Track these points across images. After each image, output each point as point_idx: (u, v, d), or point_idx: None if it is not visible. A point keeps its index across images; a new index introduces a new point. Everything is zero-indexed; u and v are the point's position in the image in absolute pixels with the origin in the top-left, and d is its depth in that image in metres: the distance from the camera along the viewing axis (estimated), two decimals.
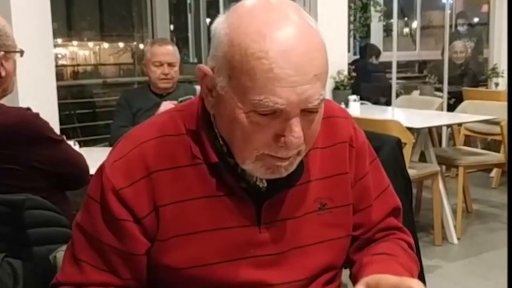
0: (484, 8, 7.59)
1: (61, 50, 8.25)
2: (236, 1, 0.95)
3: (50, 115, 2.70)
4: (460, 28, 6.68)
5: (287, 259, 1.04)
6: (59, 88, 3.61)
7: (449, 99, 5.45)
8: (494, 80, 6.03)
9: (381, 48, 7.02)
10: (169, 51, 3.09)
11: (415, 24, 8.82)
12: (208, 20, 7.16)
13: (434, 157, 3.80)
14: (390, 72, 5.40)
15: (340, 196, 1.08)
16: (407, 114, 4.31)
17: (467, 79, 5.85)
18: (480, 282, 3.16)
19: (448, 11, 5.72)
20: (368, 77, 6.09)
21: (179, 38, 8.15)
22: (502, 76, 5.95)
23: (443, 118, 4.45)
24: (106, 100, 6.83)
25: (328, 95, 4.54)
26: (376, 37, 7.79)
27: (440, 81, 5.59)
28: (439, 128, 5.05)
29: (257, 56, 0.86)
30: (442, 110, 4.97)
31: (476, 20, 8.13)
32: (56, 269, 1.24)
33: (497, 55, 6.03)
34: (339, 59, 4.64)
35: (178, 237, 0.99)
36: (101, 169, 1.02)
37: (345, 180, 1.08)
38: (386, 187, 1.16)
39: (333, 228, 1.07)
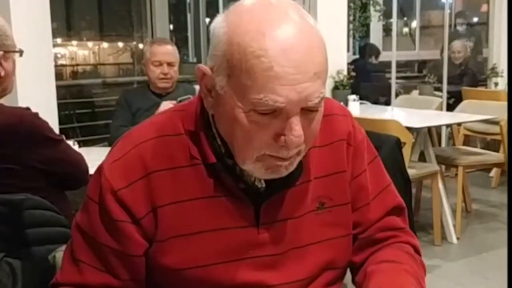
0: (484, 7, 7.59)
1: (60, 50, 8.25)
2: (235, 1, 0.95)
3: (50, 115, 2.70)
4: (459, 28, 6.68)
5: (286, 259, 1.03)
6: (58, 88, 3.61)
7: (448, 98, 5.45)
8: (494, 79, 6.03)
9: (380, 47, 7.02)
10: (168, 51, 3.08)
11: (414, 24, 8.82)
12: (207, 19, 7.16)
13: (434, 156, 3.80)
14: (390, 72, 5.39)
15: (339, 195, 1.07)
16: (407, 114, 4.31)
17: (466, 78, 5.84)
18: (479, 282, 3.16)
19: (447, 11, 5.72)
20: (367, 77, 6.08)
21: (179, 38, 8.15)
22: (502, 76, 5.95)
23: (443, 118, 4.45)
24: (105, 100, 6.82)
25: (327, 94, 4.51)
26: (376, 37, 7.79)
27: (440, 81, 5.59)
28: (438, 127, 5.05)
29: (256, 54, 0.85)
30: (441, 109, 4.97)
31: (475, 19, 8.13)
32: (55, 269, 1.24)
33: (497, 55, 6.03)
34: (338, 58, 4.64)
35: (176, 237, 0.99)
36: (99, 169, 1.02)
37: (343, 178, 1.08)
38: (386, 186, 1.14)
39: (333, 227, 1.07)
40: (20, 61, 1.83)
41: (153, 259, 1.01)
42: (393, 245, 1.10)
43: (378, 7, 5.72)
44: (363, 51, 6.82)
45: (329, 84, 4.61)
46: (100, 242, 0.99)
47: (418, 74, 7.83)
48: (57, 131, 2.51)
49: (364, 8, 5.65)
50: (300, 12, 0.91)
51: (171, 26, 7.93)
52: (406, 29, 9.42)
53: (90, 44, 8.82)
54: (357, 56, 7.01)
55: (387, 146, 2.54)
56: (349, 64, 5.07)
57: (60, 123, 3.56)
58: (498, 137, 4.31)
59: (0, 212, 1.48)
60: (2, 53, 1.71)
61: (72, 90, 6.83)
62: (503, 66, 5.94)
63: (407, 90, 6.08)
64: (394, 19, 5.54)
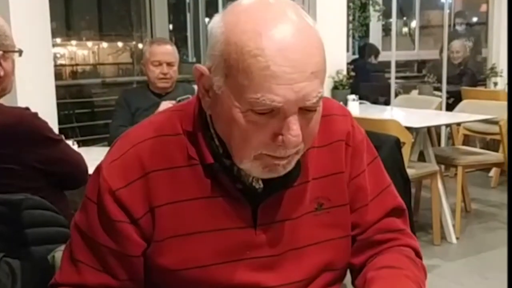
0: (483, 7, 7.59)
1: (60, 50, 8.24)
2: (233, 0, 0.95)
3: (49, 115, 2.70)
4: (458, 28, 6.68)
5: (284, 261, 1.03)
6: (58, 87, 3.60)
7: (448, 98, 5.45)
8: (493, 79, 6.03)
9: (380, 47, 7.02)
10: (168, 51, 3.08)
11: (414, 24, 8.83)
12: (207, 19, 7.16)
13: (433, 156, 3.80)
14: (389, 72, 5.39)
15: (337, 196, 1.06)
16: (406, 114, 4.31)
17: (466, 78, 5.85)
18: (478, 281, 3.16)
19: (447, 11, 5.72)
20: (367, 77, 6.09)
21: (178, 38, 8.15)
22: (501, 76, 5.95)
23: (442, 118, 4.45)
24: (105, 100, 6.81)
25: (327, 94, 4.53)
26: (375, 37, 7.80)
27: (439, 81, 5.59)
28: (438, 127, 5.05)
29: (253, 53, 0.85)
30: (441, 109, 4.98)
31: (475, 19, 8.13)
32: (54, 269, 1.24)
33: (496, 55, 6.03)
34: (338, 58, 4.64)
35: (174, 238, 0.99)
36: (98, 169, 1.02)
37: (342, 179, 1.07)
38: (386, 187, 1.13)
39: (331, 228, 1.06)
40: (19, 61, 1.83)
41: (150, 259, 1.01)
42: (393, 249, 1.09)
43: (377, 7, 5.71)
44: (363, 51, 6.82)
45: (329, 84, 4.61)
46: (98, 242, 0.99)
47: (417, 74, 7.83)
48: (56, 131, 2.51)
49: (364, 8, 5.65)
50: (298, 12, 0.90)
51: (171, 26, 7.93)
52: (405, 29, 9.43)
53: (89, 44, 8.81)
54: (356, 56, 7.01)
55: (386, 146, 2.54)
56: (348, 64, 5.07)
57: (59, 123, 3.56)
58: (497, 137, 4.31)
59: (0, 212, 1.48)
60: (2, 53, 1.71)
61: (72, 90, 6.83)
62: (502, 66, 5.94)
63: (406, 90, 6.09)
64: (393, 19, 5.54)
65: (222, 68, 0.89)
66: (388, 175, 1.15)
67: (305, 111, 0.90)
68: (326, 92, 4.59)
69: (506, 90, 5.42)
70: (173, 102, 2.77)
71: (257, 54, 0.85)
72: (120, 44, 8.91)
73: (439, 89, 5.58)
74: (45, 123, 1.85)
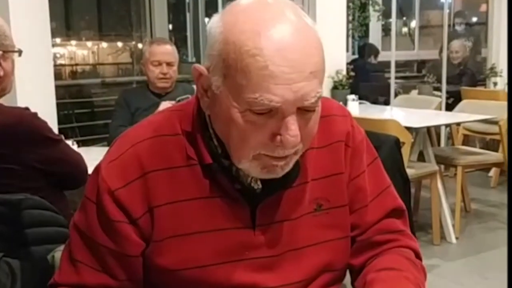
0: (483, 7, 7.59)
1: (59, 50, 8.23)
2: (233, 1, 0.95)
3: (49, 115, 2.69)
4: (457, 28, 6.67)
5: (282, 261, 1.02)
6: (57, 87, 3.60)
7: (447, 98, 5.45)
8: (493, 79, 6.03)
9: (379, 47, 7.02)
10: (167, 51, 3.08)
11: (413, 24, 8.83)
12: (206, 19, 7.15)
13: (433, 156, 3.80)
14: (389, 72, 5.40)
15: (337, 197, 1.06)
16: (406, 114, 4.31)
17: (465, 78, 5.85)
18: (478, 281, 3.16)
19: (446, 11, 5.72)
20: (366, 77, 6.09)
21: (178, 38, 8.14)
22: (501, 76, 5.95)
23: (442, 118, 4.45)
24: (104, 100, 6.81)
25: (326, 94, 4.54)
26: (375, 37, 7.79)
27: (439, 81, 5.59)
28: (437, 127, 5.05)
29: (251, 53, 0.85)
30: (440, 109, 4.98)
31: (475, 19, 8.13)
32: (54, 269, 1.24)
33: (496, 55, 6.03)
34: (337, 58, 4.64)
35: (172, 238, 0.99)
36: (97, 169, 1.01)
37: (341, 180, 1.06)
38: (385, 187, 1.13)
39: (330, 229, 1.06)
40: (19, 61, 1.83)
41: (149, 260, 1.01)
42: (393, 250, 1.09)
43: (377, 7, 5.71)
44: (362, 51, 6.82)
45: (328, 84, 4.61)
46: (97, 242, 0.99)
47: (417, 74, 7.83)
48: (56, 131, 2.51)
49: (363, 8, 5.65)
50: (297, 12, 0.90)
51: (170, 26, 7.93)
52: (405, 29, 9.42)
53: (89, 44, 8.81)
54: (356, 56, 7.01)
55: (386, 146, 2.54)
56: (348, 64, 5.07)
57: (59, 123, 3.56)
58: (497, 137, 4.31)
59: None
60: (1, 53, 1.71)
61: (71, 90, 6.83)
62: (502, 66, 5.95)
63: (406, 90, 6.08)
64: (393, 19, 5.54)
65: (220, 68, 0.89)
66: (387, 176, 1.15)
67: (303, 111, 0.90)
68: (326, 92, 4.59)
69: (506, 90, 5.42)
70: (173, 102, 2.77)
71: (255, 53, 0.85)
72: (119, 44, 8.91)
73: (438, 89, 5.58)
74: (45, 123, 1.85)
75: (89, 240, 1.00)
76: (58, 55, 8.10)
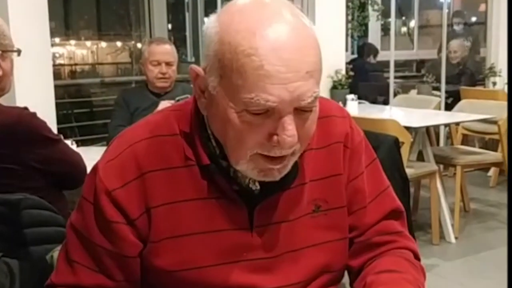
0: (482, 7, 7.59)
1: (58, 49, 8.22)
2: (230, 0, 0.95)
3: (48, 115, 2.69)
4: (455, 27, 6.67)
5: (280, 263, 1.02)
6: (56, 87, 3.61)
7: (446, 98, 5.45)
8: (492, 79, 6.03)
9: (379, 47, 7.02)
10: (167, 50, 3.08)
11: (413, 23, 8.82)
12: (206, 19, 7.13)
13: (432, 156, 3.80)
14: (388, 71, 5.40)
15: (335, 198, 1.06)
16: (405, 113, 4.32)
17: (464, 78, 5.85)
18: (477, 281, 3.16)
19: (445, 10, 5.72)
20: (366, 76, 6.08)
21: (177, 37, 8.14)
22: (500, 75, 5.95)
23: (441, 117, 4.45)
24: (103, 100, 6.81)
25: (326, 94, 4.54)
26: (374, 36, 7.79)
27: (438, 80, 5.59)
28: (436, 127, 5.05)
29: (247, 53, 0.85)
30: (439, 109, 4.98)
31: (474, 19, 8.13)
32: (53, 268, 1.24)
33: (495, 54, 6.03)
34: (337, 58, 4.65)
35: (170, 239, 0.98)
36: (94, 169, 1.01)
37: (340, 181, 1.06)
38: (384, 189, 1.12)
39: (328, 230, 1.05)
40: (18, 60, 1.82)
41: (146, 260, 1.00)
42: (392, 252, 1.08)
43: (376, 7, 5.71)
44: (362, 50, 6.82)
45: (328, 83, 4.61)
46: (94, 242, 0.99)
47: (416, 74, 7.82)
48: (55, 130, 2.51)
49: (363, 7, 5.65)
50: (293, 12, 0.90)
51: (170, 26, 7.92)
52: (404, 29, 9.42)
53: (88, 43, 8.79)
54: (355, 56, 7.00)
55: (385, 145, 2.54)
56: (347, 63, 5.08)
57: (58, 122, 3.57)
58: (496, 137, 4.32)
59: None
60: (0, 53, 1.71)
61: (70, 90, 6.81)
62: (501, 66, 5.95)
63: (405, 90, 6.08)
64: (392, 19, 5.54)
65: (216, 68, 0.89)
66: (386, 177, 1.15)
67: (300, 111, 0.89)
68: (325, 92, 4.59)
69: (505, 89, 5.42)
70: (172, 101, 2.77)
71: (251, 53, 0.85)
72: (119, 43, 8.90)
73: (438, 88, 5.59)
74: (44, 122, 1.85)
75: (86, 240, 1.00)
76: (57, 55, 8.09)
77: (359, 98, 4.39)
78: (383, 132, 2.82)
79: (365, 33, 6.63)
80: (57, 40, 7.94)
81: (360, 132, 1.12)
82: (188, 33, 7.80)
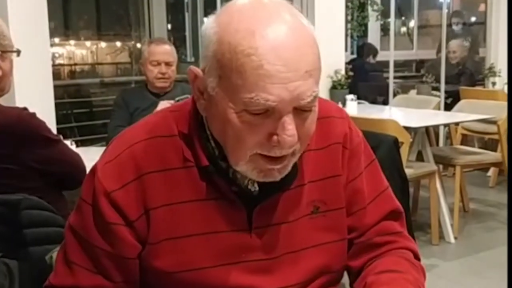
0: (482, 7, 7.59)
1: (58, 50, 8.22)
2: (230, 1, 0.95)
3: (47, 115, 2.70)
4: (454, 28, 6.67)
5: (279, 264, 1.02)
6: (56, 87, 3.61)
7: (446, 98, 5.46)
8: (491, 79, 6.03)
9: (378, 47, 7.02)
10: (166, 51, 3.09)
11: (412, 23, 8.82)
12: (205, 19, 7.14)
13: (431, 156, 3.80)
14: (387, 71, 5.40)
15: (334, 199, 1.06)
16: (404, 114, 4.32)
17: (464, 78, 5.86)
18: (477, 281, 3.16)
19: (445, 10, 5.72)
20: (365, 77, 6.08)
21: (177, 37, 8.14)
22: (499, 76, 5.96)
23: (440, 117, 4.45)
24: (103, 100, 6.81)
25: (325, 94, 4.54)
26: (374, 36, 7.79)
27: (437, 80, 5.60)
28: (436, 127, 5.05)
29: (246, 53, 0.85)
30: (439, 109, 4.98)
31: (473, 19, 8.14)
32: (52, 269, 1.24)
33: (494, 54, 6.03)
34: (336, 58, 4.64)
35: (169, 240, 0.98)
36: (93, 170, 1.01)
37: (338, 182, 1.06)
38: (383, 190, 1.12)
39: (327, 231, 1.05)
40: (17, 61, 1.82)
41: (145, 262, 1.00)
42: (392, 252, 1.08)
43: (376, 7, 5.72)
44: (361, 50, 6.82)
45: (327, 83, 4.61)
46: (93, 244, 0.98)
47: (416, 74, 7.82)
48: (54, 131, 2.51)
49: (362, 7, 5.65)
50: (292, 12, 0.90)
51: (169, 26, 7.92)
52: (404, 29, 9.42)
53: (88, 43, 8.79)
54: (355, 56, 7.00)
55: (384, 145, 2.54)
56: (347, 63, 5.08)
57: (57, 122, 3.56)
58: (495, 137, 4.32)
59: None
60: (0, 53, 1.71)
61: (70, 90, 6.81)
62: (500, 66, 5.95)
63: (405, 90, 6.09)
64: (392, 19, 5.54)
65: (215, 69, 0.89)
66: (385, 178, 1.15)
67: (300, 111, 0.89)
68: (325, 92, 4.59)
69: (505, 90, 5.43)
70: (172, 101, 2.77)
71: (250, 53, 0.84)
72: (118, 43, 8.90)
73: (437, 88, 5.59)
74: (43, 123, 1.85)
75: (85, 242, 0.99)
76: (56, 55, 8.09)
77: (358, 98, 4.39)
78: (382, 132, 2.81)
79: (364, 33, 6.63)
80: (56, 40, 7.94)
81: (359, 133, 1.12)
82: (187, 33, 7.81)
